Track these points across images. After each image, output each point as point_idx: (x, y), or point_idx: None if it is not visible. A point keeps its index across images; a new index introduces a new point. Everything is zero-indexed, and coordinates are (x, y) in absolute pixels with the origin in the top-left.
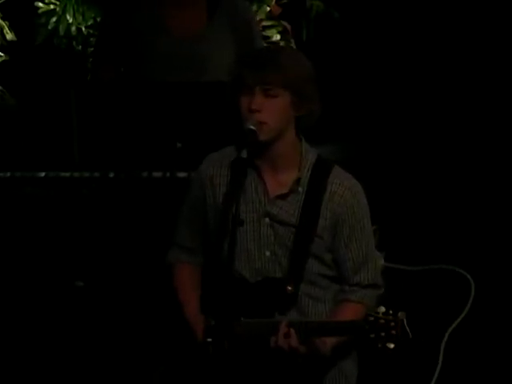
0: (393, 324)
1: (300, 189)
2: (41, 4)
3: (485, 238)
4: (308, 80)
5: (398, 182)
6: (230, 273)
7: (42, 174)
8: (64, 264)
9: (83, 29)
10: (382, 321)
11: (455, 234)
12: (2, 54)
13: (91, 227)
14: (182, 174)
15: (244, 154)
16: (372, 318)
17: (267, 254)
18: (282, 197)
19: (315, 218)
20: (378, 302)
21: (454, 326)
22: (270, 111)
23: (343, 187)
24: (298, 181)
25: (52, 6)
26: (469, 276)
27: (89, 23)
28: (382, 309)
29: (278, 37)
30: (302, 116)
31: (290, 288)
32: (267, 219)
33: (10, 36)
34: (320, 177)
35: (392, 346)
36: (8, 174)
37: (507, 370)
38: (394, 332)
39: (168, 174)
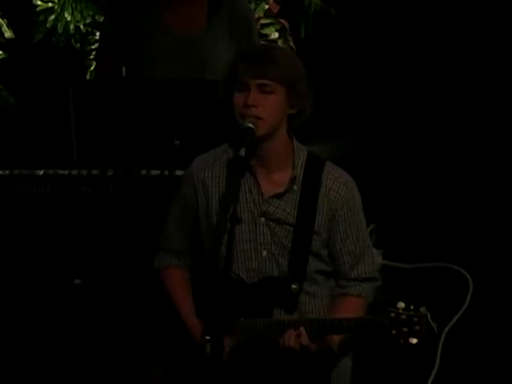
0: (416, 319)
1: (295, 187)
2: (39, 2)
3: (483, 236)
4: (301, 77)
5: (396, 180)
6: (228, 273)
7: (41, 172)
8: (62, 262)
9: (81, 27)
10: (404, 316)
11: (453, 231)
12: (1, 52)
13: (89, 225)
14: (180, 172)
15: (242, 153)
16: (393, 315)
17: (264, 253)
18: (278, 196)
19: (313, 216)
20: (376, 294)
21: (451, 324)
22: (265, 107)
23: (338, 183)
24: (293, 179)
25: (50, 4)
26: (467, 274)
27: (87, 21)
28: (402, 304)
29: (276, 35)
30: (293, 115)
31: (294, 286)
32: (263, 219)
33: (8, 34)
34: (314, 174)
35: (415, 341)
36: (6, 172)
37: (505, 369)
38: (417, 327)
39: (166, 172)
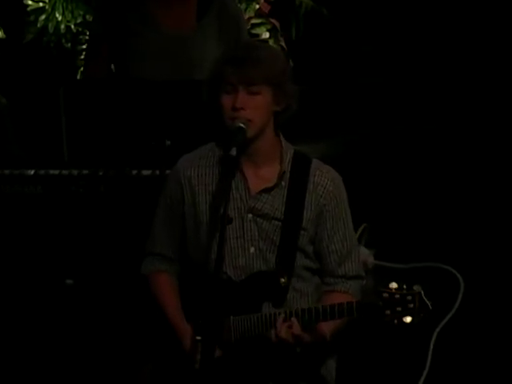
0: (409, 298)
1: (283, 182)
2: (30, 2)
3: (474, 236)
4: (287, 74)
5: (388, 180)
6: (219, 271)
7: (32, 172)
8: (54, 262)
9: (72, 26)
10: (398, 296)
11: (445, 232)
12: None
13: (80, 225)
14: None
15: (233, 152)
16: (386, 295)
17: (251, 250)
18: (267, 191)
19: (300, 211)
20: (366, 294)
21: (442, 324)
22: (253, 108)
23: (326, 178)
24: (282, 174)
25: (41, 4)
26: (458, 274)
27: (78, 21)
28: (394, 285)
29: (267, 35)
30: (279, 111)
31: (283, 280)
32: (250, 215)
33: None
34: (301, 169)
35: (409, 319)
36: None
37: (497, 368)
38: (411, 306)
39: (157, 172)
